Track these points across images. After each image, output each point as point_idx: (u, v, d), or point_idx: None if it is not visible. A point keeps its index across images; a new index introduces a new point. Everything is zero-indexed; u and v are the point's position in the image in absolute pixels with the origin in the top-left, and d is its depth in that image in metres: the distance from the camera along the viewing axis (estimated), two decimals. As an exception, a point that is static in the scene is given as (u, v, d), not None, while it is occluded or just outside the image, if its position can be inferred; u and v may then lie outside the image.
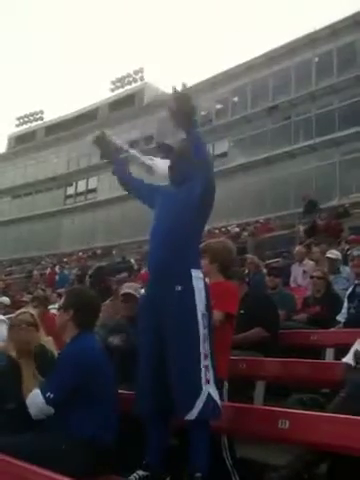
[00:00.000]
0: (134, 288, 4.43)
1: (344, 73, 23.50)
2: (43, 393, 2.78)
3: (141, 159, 3.34)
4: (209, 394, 2.65)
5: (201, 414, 2.60)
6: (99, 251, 26.10)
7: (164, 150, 3.15)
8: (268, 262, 11.75)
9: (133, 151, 3.42)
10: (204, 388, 2.64)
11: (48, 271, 22.13)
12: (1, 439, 2.68)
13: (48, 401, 2.76)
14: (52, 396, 2.77)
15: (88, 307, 3.15)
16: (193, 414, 2.59)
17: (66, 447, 2.69)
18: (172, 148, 3.12)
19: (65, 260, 26.60)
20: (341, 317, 5.25)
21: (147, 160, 3.27)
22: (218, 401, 2.70)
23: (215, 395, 2.68)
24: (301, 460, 2.80)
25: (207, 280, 3.04)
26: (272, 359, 4.19)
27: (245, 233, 18.98)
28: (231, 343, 3.62)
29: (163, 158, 3.15)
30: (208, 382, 2.67)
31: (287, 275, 9.22)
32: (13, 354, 3.05)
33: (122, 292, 4.44)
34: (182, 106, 2.70)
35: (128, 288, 4.44)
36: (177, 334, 2.70)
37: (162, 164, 3.13)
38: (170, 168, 3.07)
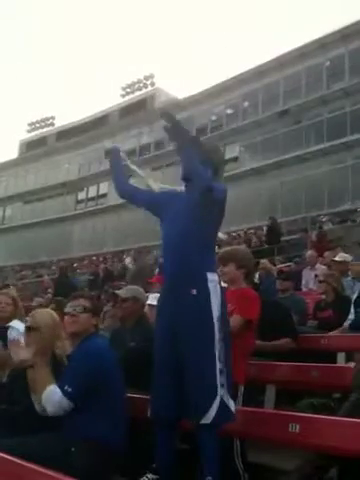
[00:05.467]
0: (126, 289, 4.47)
1: (356, 77, 23.40)
2: (61, 387, 2.79)
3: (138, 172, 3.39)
4: (222, 398, 2.65)
5: (216, 418, 2.61)
6: (109, 256, 26.13)
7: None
8: (279, 266, 11.72)
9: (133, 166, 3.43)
10: (219, 392, 2.65)
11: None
12: (10, 440, 2.68)
13: (66, 394, 2.78)
14: (70, 390, 2.79)
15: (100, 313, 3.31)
16: (209, 418, 2.60)
17: (76, 449, 2.70)
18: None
19: (75, 265, 26.68)
20: (348, 323, 5.22)
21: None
22: (231, 406, 2.70)
23: (227, 399, 2.68)
24: (311, 464, 2.79)
25: (224, 285, 3.04)
26: (282, 363, 4.16)
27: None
28: (251, 349, 3.60)
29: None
30: (222, 386, 2.67)
31: (299, 279, 9.19)
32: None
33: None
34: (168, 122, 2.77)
35: (121, 290, 4.49)
36: (192, 337, 2.71)
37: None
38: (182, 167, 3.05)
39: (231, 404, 2.70)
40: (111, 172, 3.37)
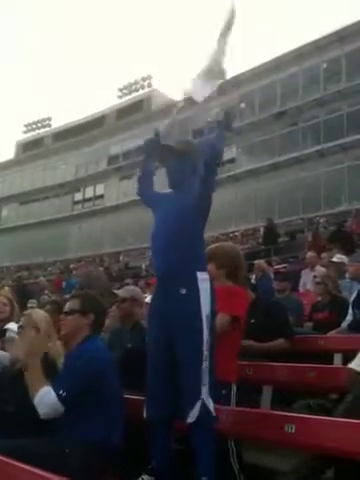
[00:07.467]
0: (125, 289, 4.48)
1: (352, 78, 23.44)
2: (55, 391, 2.76)
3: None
4: (205, 397, 2.65)
5: (200, 417, 2.61)
6: (106, 257, 26.12)
7: (166, 151, 3.13)
8: (276, 267, 11.70)
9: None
10: (203, 391, 2.65)
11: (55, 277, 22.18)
12: (3, 442, 2.65)
13: (60, 399, 2.74)
14: (64, 394, 2.75)
15: (104, 311, 3.30)
16: (193, 417, 2.61)
17: (70, 450, 2.67)
18: (173, 148, 3.11)
19: (72, 266, 26.63)
20: (346, 323, 5.21)
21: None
22: (210, 405, 2.67)
23: (207, 399, 2.66)
24: (307, 465, 2.77)
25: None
26: (279, 364, 4.15)
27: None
28: (239, 348, 3.58)
29: (163, 162, 3.14)
30: (205, 385, 2.67)
31: (296, 280, 9.17)
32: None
33: None
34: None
35: (120, 290, 4.50)
36: (182, 336, 2.71)
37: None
38: (168, 172, 3.09)
39: (210, 404, 2.68)
40: (141, 167, 3.31)
